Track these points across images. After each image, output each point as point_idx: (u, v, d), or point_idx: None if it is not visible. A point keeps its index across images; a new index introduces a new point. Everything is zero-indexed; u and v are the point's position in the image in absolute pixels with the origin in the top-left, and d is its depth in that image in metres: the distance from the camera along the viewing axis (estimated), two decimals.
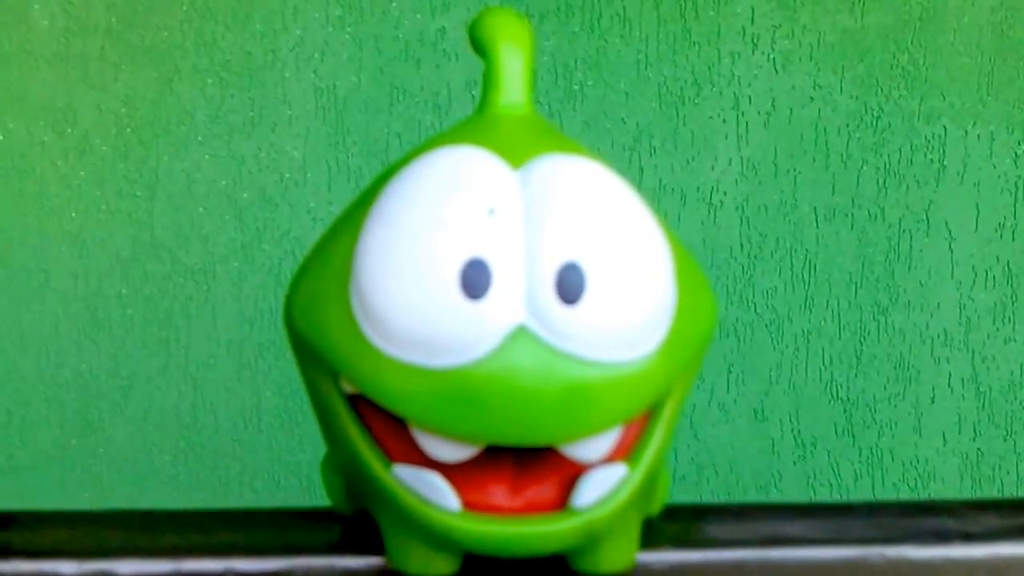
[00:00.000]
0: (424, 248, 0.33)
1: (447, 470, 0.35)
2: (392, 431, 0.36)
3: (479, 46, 0.38)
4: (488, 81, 0.38)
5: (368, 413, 0.36)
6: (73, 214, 0.74)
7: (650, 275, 0.35)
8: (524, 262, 0.34)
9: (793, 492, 0.78)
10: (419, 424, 0.35)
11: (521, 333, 0.33)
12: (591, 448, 0.35)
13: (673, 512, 0.42)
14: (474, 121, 0.38)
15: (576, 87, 0.74)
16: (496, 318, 0.33)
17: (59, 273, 0.74)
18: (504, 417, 0.34)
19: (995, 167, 0.76)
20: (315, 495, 0.76)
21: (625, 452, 0.36)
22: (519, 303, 0.33)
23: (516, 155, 0.35)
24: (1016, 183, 0.76)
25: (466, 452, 0.35)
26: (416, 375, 0.34)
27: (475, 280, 0.33)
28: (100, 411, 0.76)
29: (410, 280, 0.33)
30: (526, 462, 0.36)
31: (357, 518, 0.41)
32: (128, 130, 0.73)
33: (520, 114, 0.38)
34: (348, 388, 0.36)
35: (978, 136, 0.76)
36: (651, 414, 0.37)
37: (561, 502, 0.36)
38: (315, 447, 0.76)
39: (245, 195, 0.74)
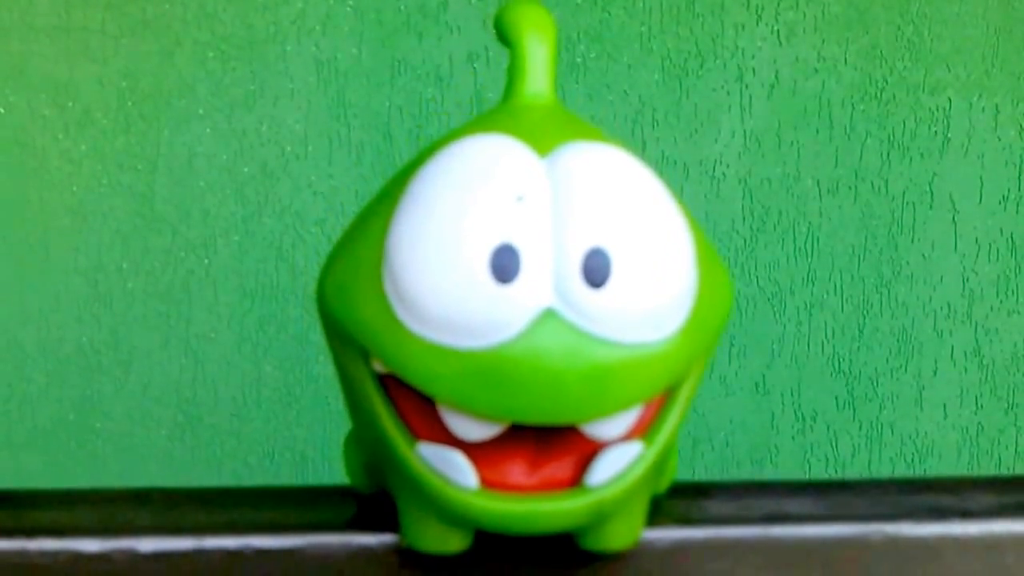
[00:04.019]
0: (455, 234, 0.34)
1: (468, 449, 0.36)
2: (419, 410, 0.37)
3: (505, 37, 0.39)
4: (514, 71, 0.39)
5: (396, 393, 0.37)
6: (74, 188, 0.74)
7: (673, 260, 0.36)
8: (552, 247, 0.34)
9: (789, 466, 0.78)
10: (447, 403, 0.35)
11: (549, 316, 0.34)
12: (611, 427, 0.36)
13: (676, 490, 0.42)
14: (501, 110, 0.39)
15: (579, 59, 0.74)
16: (525, 301, 0.34)
17: (60, 247, 0.74)
18: (530, 396, 0.34)
19: (999, 139, 0.76)
20: (308, 471, 0.76)
21: (642, 430, 0.37)
22: (547, 287, 0.34)
23: (543, 143, 0.36)
24: (1021, 155, 0.76)
25: (491, 431, 0.35)
26: (446, 356, 0.34)
27: (505, 265, 0.34)
28: (100, 384, 0.76)
29: (442, 264, 0.34)
30: (545, 441, 0.37)
31: (373, 496, 0.41)
32: (129, 104, 0.73)
33: (545, 103, 0.39)
34: (378, 368, 0.37)
35: (983, 108, 0.75)
36: (669, 394, 0.38)
37: (576, 479, 0.37)
38: (313, 423, 0.77)
39: (246, 169, 0.74)
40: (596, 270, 0.34)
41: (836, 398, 0.78)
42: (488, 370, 0.34)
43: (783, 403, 0.78)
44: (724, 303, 0.39)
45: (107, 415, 0.76)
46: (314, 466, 0.77)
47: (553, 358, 0.34)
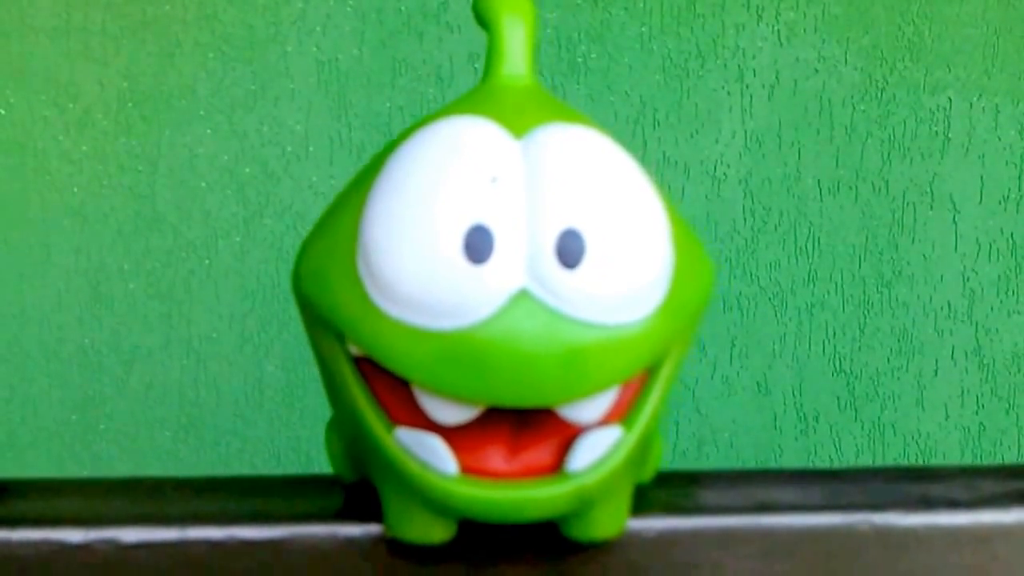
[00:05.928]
0: (429, 215, 0.34)
1: (447, 434, 0.36)
2: (396, 394, 0.37)
3: (482, 18, 0.39)
4: (491, 53, 0.39)
5: (373, 376, 0.37)
6: (75, 189, 0.74)
7: (647, 240, 0.36)
8: (526, 228, 0.34)
9: (793, 466, 0.78)
10: (421, 385, 0.35)
11: (522, 296, 0.34)
12: (588, 409, 0.36)
13: (663, 478, 0.42)
14: (477, 92, 0.39)
15: (580, 60, 0.74)
16: (498, 282, 0.34)
17: (61, 248, 0.75)
18: (505, 377, 0.34)
19: (1000, 139, 0.75)
20: (312, 470, 0.76)
21: (621, 414, 0.37)
22: (520, 268, 0.34)
23: (518, 125, 0.36)
24: (1021, 155, 0.76)
25: (467, 414, 0.35)
26: (420, 337, 0.34)
27: (478, 245, 0.34)
28: (102, 385, 0.76)
29: (415, 245, 0.34)
30: (523, 425, 0.37)
31: (358, 487, 0.41)
32: (129, 104, 0.73)
33: (522, 85, 0.39)
34: (354, 351, 0.37)
35: (983, 108, 0.75)
36: (648, 376, 0.37)
37: (556, 465, 0.37)
38: (316, 423, 0.77)
39: (247, 169, 0.74)
40: (570, 251, 0.34)
41: (838, 398, 0.78)
42: (462, 351, 0.34)
43: (785, 403, 0.78)
44: (704, 284, 0.39)
45: (109, 416, 0.76)
46: (318, 465, 0.77)
47: (527, 339, 0.34)
